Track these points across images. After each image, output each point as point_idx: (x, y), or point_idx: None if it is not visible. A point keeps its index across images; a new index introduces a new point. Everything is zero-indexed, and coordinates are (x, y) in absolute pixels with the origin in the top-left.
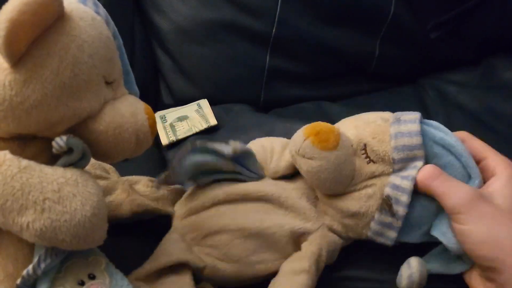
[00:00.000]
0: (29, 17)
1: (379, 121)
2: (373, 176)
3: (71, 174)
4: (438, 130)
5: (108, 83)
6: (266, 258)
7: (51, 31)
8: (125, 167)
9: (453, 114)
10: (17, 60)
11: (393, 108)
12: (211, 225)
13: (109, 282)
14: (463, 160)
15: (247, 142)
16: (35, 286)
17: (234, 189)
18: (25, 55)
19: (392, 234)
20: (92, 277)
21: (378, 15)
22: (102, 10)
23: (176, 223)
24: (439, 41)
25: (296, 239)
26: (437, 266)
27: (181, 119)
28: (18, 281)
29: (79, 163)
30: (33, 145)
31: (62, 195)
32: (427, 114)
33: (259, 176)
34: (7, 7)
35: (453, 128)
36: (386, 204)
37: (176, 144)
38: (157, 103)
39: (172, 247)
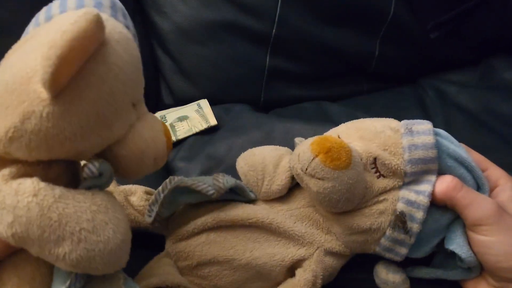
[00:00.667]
0: (77, 53)
1: (388, 132)
2: (384, 191)
3: (101, 200)
4: (448, 141)
5: (134, 104)
6: (257, 287)
7: (90, 60)
8: None
9: (452, 114)
10: (58, 93)
11: (393, 108)
12: (201, 254)
13: None
14: (474, 172)
15: (246, 142)
16: None
17: (224, 215)
18: (66, 87)
19: (403, 251)
20: None
21: (378, 15)
22: (130, 22)
23: (168, 246)
24: (439, 41)
25: (289, 267)
26: (439, 273)
27: (181, 119)
28: None
29: (104, 185)
30: (57, 166)
31: (96, 224)
32: (427, 114)
33: (250, 200)
34: (55, 41)
35: (453, 128)
36: (400, 221)
37: (176, 144)
38: (157, 103)
39: (165, 269)
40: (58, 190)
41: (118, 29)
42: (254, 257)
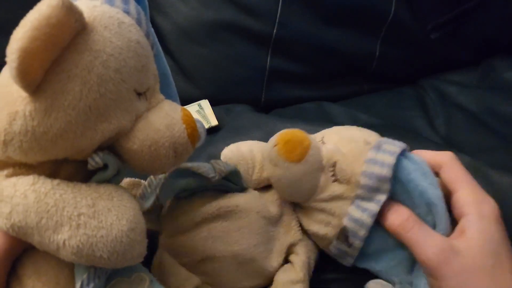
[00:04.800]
0: (42, 43)
1: (361, 143)
2: (334, 197)
3: (105, 189)
4: (418, 168)
5: (140, 93)
6: (258, 283)
7: (70, 49)
8: None
9: (453, 114)
10: (35, 89)
11: (393, 108)
12: (204, 249)
13: None
14: (433, 208)
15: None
16: None
17: (225, 202)
18: (43, 81)
19: (350, 260)
20: None
21: (379, 15)
22: (133, 7)
23: (164, 241)
24: (439, 41)
25: (285, 255)
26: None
27: None
28: None
29: (113, 179)
30: (66, 167)
31: (97, 209)
32: (427, 115)
33: (243, 188)
34: (16, 34)
35: (453, 128)
36: (343, 235)
37: None
38: None
39: (179, 273)
40: (58, 180)
41: (109, 14)
42: (257, 252)
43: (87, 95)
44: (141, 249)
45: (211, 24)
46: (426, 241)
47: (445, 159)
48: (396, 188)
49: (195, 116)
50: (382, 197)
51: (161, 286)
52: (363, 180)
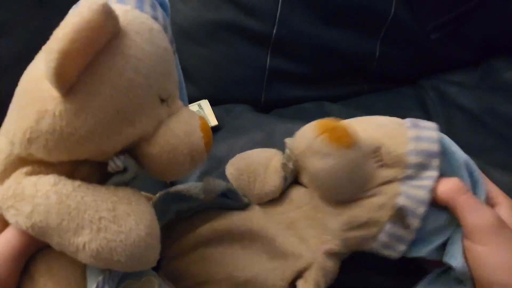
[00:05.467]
0: (81, 45)
1: (393, 125)
2: (384, 183)
3: (123, 193)
4: (452, 145)
5: (163, 100)
6: None
7: (104, 52)
8: None
9: (453, 114)
10: (68, 90)
11: (393, 108)
12: (197, 273)
13: None
14: (474, 175)
15: (247, 142)
16: None
17: (218, 225)
18: (76, 82)
19: (402, 247)
20: None
21: (379, 15)
22: (160, 13)
23: (164, 265)
24: (440, 41)
25: (291, 281)
26: None
27: None
28: None
29: (130, 183)
30: (84, 167)
31: (117, 214)
32: (427, 115)
33: (244, 205)
34: (57, 34)
35: (454, 128)
36: (400, 216)
37: None
38: None
39: None
40: (78, 181)
41: (140, 19)
42: (254, 273)
43: (117, 98)
44: (156, 253)
45: (211, 24)
46: (481, 207)
47: None
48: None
49: None
50: (434, 173)
51: None
52: (413, 159)
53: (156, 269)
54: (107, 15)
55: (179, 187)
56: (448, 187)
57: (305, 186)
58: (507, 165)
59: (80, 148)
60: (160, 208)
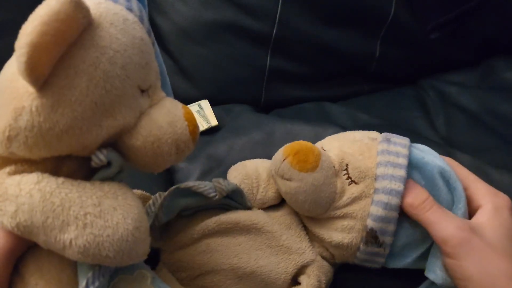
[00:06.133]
0: (51, 38)
1: (366, 140)
2: (354, 200)
3: (109, 187)
4: (429, 154)
5: (143, 90)
6: None
7: (77, 45)
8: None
9: (453, 114)
10: (42, 84)
11: (393, 108)
12: (202, 263)
13: None
14: (451, 182)
15: (247, 142)
16: None
17: (225, 218)
18: (50, 76)
19: (380, 260)
20: None
21: (379, 16)
22: (135, 4)
23: (164, 257)
24: (439, 41)
25: (294, 275)
26: None
27: None
28: None
29: (116, 177)
30: (69, 163)
31: (103, 209)
32: (427, 115)
33: (247, 207)
34: (25, 28)
35: (454, 128)
36: (372, 237)
37: None
38: None
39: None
40: (62, 178)
41: (114, 10)
42: (259, 265)
43: (93, 91)
44: (145, 247)
45: (211, 24)
46: (446, 220)
47: (449, 159)
48: (413, 175)
49: (195, 116)
50: (400, 187)
51: (163, 283)
52: (380, 171)
53: (156, 261)
54: (77, 6)
55: (189, 184)
56: (415, 201)
57: None
58: (506, 165)
59: (61, 143)
60: (167, 203)
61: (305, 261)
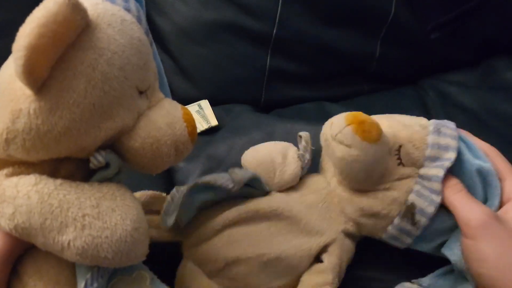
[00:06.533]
0: (49, 40)
1: (417, 127)
2: (400, 179)
3: (108, 188)
4: (469, 149)
5: (142, 92)
6: (287, 282)
7: (75, 47)
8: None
9: (453, 114)
10: (40, 86)
11: (394, 108)
12: (226, 254)
13: None
14: (488, 179)
15: (247, 142)
16: None
17: (245, 207)
18: (48, 79)
19: (408, 240)
20: None
21: (379, 15)
22: (133, 4)
23: (187, 251)
24: (440, 41)
25: (316, 254)
26: (443, 286)
27: None
28: None
29: (114, 178)
30: (67, 165)
31: (101, 210)
32: (428, 115)
33: (265, 192)
34: (23, 31)
35: None
36: (410, 212)
37: None
38: None
39: (197, 280)
40: (60, 180)
41: (111, 11)
42: (282, 250)
43: (92, 92)
44: (144, 248)
45: (211, 24)
46: (472, 205)
47: (491, 148)
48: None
49: (195, 116)
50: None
51: (162, 284)
52: (428, 164)
53: (178, 258)
54: (74, 8)
55: (207, 178)
56: (445, 183)
57: (320, 174)
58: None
59: (59, 146)
60: (187, 202)
61: (327, 241)
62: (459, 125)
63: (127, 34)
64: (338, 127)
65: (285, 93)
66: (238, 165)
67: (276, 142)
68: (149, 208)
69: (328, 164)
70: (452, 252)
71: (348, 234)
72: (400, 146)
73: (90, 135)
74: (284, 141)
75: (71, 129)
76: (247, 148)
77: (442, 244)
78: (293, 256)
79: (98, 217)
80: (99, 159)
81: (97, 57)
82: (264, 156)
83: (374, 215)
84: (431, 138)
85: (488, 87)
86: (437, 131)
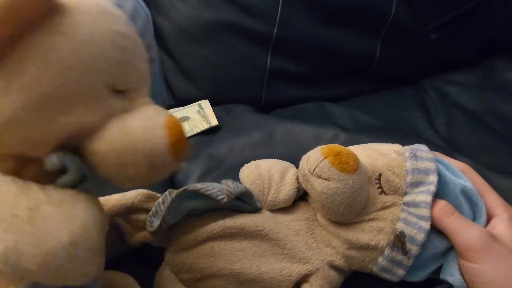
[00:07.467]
0: (3, 21)
1: (393, 154)
2: (384, 207)
3: (60, 194)
4: (448, 169)
5: (118, 91)
6: None
7: (38, 31)
8: None
9: (453, 114)
10: None
11: (394, 108)
12: (205, 267)
13: None
14: (473, 199)
15: (247, 142)
16: None
17: (230, 222)
18: (3, 61)
19: (400, 272)
20: None
21: (379, 16)
22: (130, 3)
23: (168, 257)
24: (440, 42)
25: (296, 282)
26: None
27: (183, 119)
28: None
29: (81, 186)
30: (30, 168)
31: (37, 214)
32: (428, 115)
33: (256, 209)
34: None
35: (454, 128)
36: (399, 241)
37: None
38: None
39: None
40: (11, 176)
41: (96, 1)
42: (261, 272)
43: (47, 80)
44: (86, 268)
45: (211, 24)
46: (469, 227)
47: (466, 167)
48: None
49: (195, 116)
50: (429, 198)
51: None
52: (410, 190)
53: (160, 261)
54: None
55: (198, 186)
56: (435, 210)
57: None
58: (507, 166)
59: (8, 135)
60: (174, 205)
61: (309, 270)
62: (460, 125)
63: (108, 27)
64: (315, 161)
65: (285, 93)
66: (238, 165)
67: (278, 160)
68: (141, 206)
69: (310, 199)
70: (454, 278)
71: (333, 266)
72: (380, 175)
73: (43, 127)
74: (284, 141)
75: (22, 116)
76: (247, 148)
77: (437, 270)
78: (271, 279)
79: (29, 221)
80: (53, 160)
81: (58, 42)
82: (263, 171)
83: (363, 247)
84: (409, 164)
85: (488, 87)
86: (414, 156)
